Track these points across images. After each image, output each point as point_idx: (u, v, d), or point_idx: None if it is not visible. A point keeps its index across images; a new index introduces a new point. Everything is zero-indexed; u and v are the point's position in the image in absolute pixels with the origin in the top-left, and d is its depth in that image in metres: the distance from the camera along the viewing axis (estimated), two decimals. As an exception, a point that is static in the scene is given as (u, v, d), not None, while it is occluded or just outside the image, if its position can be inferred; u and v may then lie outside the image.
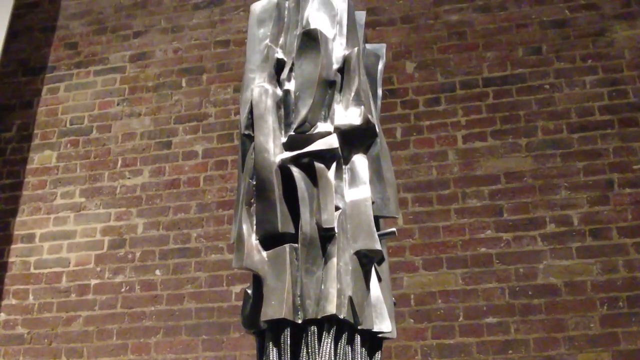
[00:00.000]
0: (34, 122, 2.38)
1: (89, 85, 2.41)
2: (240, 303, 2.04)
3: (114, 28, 2.49)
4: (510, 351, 1.85)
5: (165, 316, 2.05)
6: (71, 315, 2.09)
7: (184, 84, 2.39)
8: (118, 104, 2.36)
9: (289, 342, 0.87)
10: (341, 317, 0.83)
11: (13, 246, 2.22)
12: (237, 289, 2.04)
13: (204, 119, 2.29)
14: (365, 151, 1.04)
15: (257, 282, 0.93)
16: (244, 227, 0.96)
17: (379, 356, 0.96)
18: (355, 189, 0.98)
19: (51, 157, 2.33)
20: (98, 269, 2.13)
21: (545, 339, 1.86)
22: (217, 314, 2.04)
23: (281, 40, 1.13)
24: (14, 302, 2.15)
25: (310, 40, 1.03)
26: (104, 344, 2.04)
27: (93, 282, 2.12)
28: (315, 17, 1.09)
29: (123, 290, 2.08)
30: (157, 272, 2.09)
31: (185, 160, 2.23)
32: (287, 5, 1.15)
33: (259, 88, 1.03)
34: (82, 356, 2.02)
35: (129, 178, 2.22)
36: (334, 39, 1.08)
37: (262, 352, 0.91)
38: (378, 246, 0.91)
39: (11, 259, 2.21)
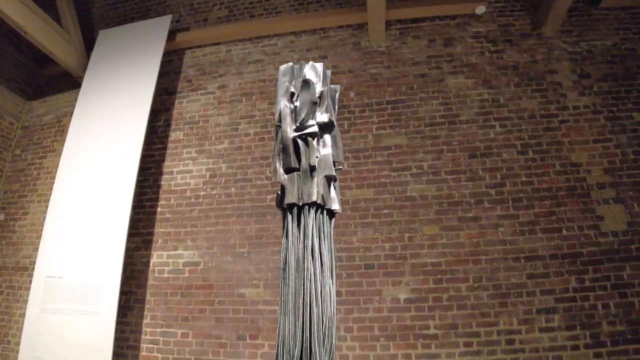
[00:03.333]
0: (171, 117, 4.69)
1: (197, 100, 4.71)
2: (272, 202, 4.43)
3: (209, 72, 4.79)
4: (392, 225, 4.13)
5: (236, 208, 4.30)
6: (192, 207, 4.39)
7: (243, 100, 4.63)
8: (212, 109, 4.66)
9: (295, 212, 1.63)
10: (318, 202, 1.59)
11: (164, 176, 4.50)
12: (270, 196, 4.30)
13: (253, 117, 4.53)
14: (329, 133, 1.80)
15: (282, 188, 1.69)
16: (277, 164, 1.72)
17: (334, 221, 1.76)
18: (325, 149, 1.74)
19: (180, 135, 4.59)
20: (204, 187, 4.43)
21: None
22: (260, 207, 4.24)
23: (293, 83, 1.87)
24: (163, 201, 4.48)
25: (306, 83, 1.77)
26: (209, 222, 4.32)
27: (202, 193, 4.42)
28: (308, 73, 1.86)
29: (216, 197, 4.39)
30: (232, 189, 4.38)
31: (245, 137, 4.47)
32: (295, 67, 1.89)
33: (284, 104, 1.78)
34: (196, 227, 4.34)
35: (218, 145, 4.51)
36: (316, 83, 1.82)
37: (285, 218, 1.67)
38: (334, 174, 1.67)
39: (162, 182, 4.53)
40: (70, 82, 5.27)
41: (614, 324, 3.68)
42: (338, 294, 3.73)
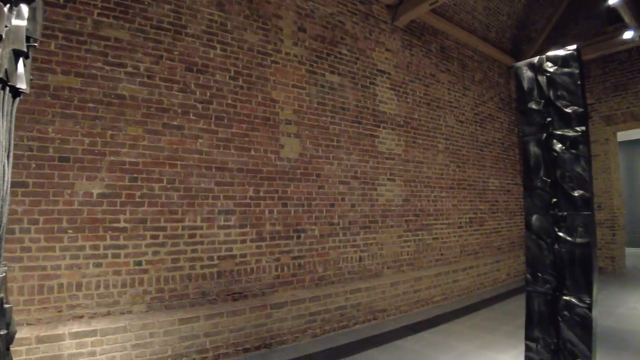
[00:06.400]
0: None
1: None
2: None
3: None
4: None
5: None
6: None
7: None
8: None
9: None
10: (0, 76, 1.52)
11: None
12: None
13: None
14: (29, 3, 1.66)
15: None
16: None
17: (18, 101, 1.66)
18: (18, 20, 1.61)
19: None
20: None
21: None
22: None
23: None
24: None
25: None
26: None
27: None
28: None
29: None
30: None
31: None
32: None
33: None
34: None
35: None
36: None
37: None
38: (25, 50, 1.62)
39: None
40: None
41: (274, 225, 4.98)
42: (24, 184, 3.63)
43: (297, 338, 4.76)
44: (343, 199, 5.79)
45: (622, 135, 12.61)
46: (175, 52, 4.44)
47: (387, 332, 5.23)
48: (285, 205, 5.11)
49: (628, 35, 8.45)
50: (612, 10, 8.70)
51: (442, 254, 7.46)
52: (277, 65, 5.23)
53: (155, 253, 4.16)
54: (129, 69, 4.18)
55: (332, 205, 5.65)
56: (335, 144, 5.78)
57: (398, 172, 6.69)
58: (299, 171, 5.29)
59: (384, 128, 6.54)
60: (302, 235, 5.26)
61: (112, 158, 4.02)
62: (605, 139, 10.12)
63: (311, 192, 5.40)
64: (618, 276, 9.05)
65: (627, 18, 8.18)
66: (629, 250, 13.37)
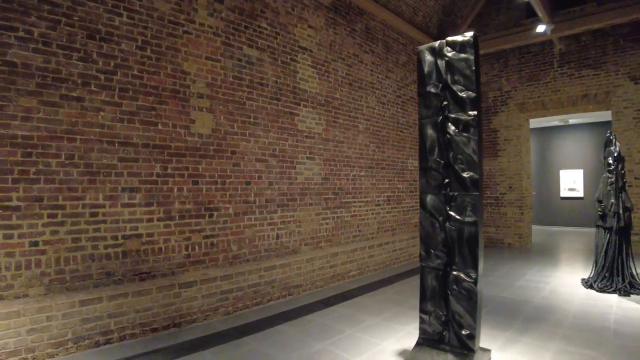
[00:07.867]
0: None
1: None
2: None
3: None
4: None
5: None
6: None
7: None
8: None
9: None
10: None
11: None
12: None
13: None
14: None
15: None
16: None
17: None
18: None
19: None
20: None
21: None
22: None
23: None
24: None
25: None
26: None
27: None
28: None
29: None
30: None
31: None
32: None
33: None
34: None
35: None
36: None
37: None
38: None
39: None
40: None
41: (184, 203, 5.03)
42: None
43: (208, 316, 4.91)
44: (260, 177, 5.95)
45: (535, 122, 13.87)
46: (75, 18, 4.25)
47: (299, 307, 5.53)
48: (196, 182, 5.16)
49: (540, 29, 9.24)
50: (530, 3, 9.43)
51: (359, 231, 7.91)
52: (189, 35, 5.18)
53: (53, 233, 4.06)
54: (21, 34, 3.93)
55: (248, 183, 5.79)
56: (252, 120, 5.87)
57: (318, 151, 6.94)
58: (211, 147, 5.34)
59: (305, 106, 6.73)
60: (215, 213, 5.36)
61: (1, 131, 3.83)
62: (519, 124, 11.08)
63: (225, 170, 5.49)
64: (523, 251, 10.13)
65: (540, 13, 8.93)
66: (535, 228, 14.91)
